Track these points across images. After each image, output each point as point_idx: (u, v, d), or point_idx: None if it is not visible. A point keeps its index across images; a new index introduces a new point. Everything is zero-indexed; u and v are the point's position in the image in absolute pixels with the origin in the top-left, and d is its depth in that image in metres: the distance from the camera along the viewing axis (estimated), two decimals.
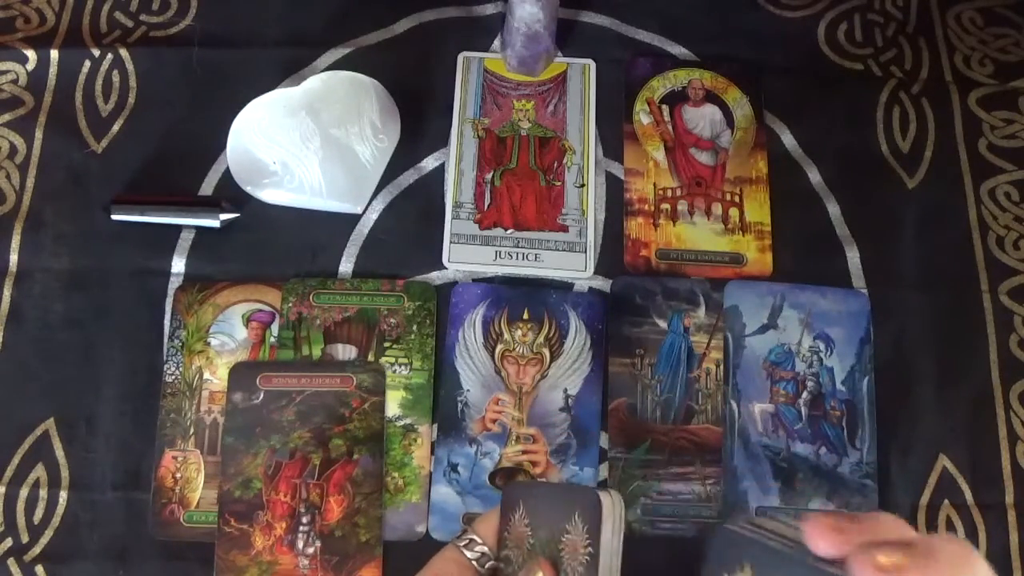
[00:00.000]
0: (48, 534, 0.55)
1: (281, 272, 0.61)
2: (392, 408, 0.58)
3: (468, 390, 0.59)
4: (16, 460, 0.57)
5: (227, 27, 0.67)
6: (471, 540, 0.40)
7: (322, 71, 0.65)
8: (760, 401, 0.59)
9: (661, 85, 0.67)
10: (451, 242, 0.62)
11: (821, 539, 0.26)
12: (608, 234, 0.63)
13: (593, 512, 0.33)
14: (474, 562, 0.40)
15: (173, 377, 0.58)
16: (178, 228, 0.62)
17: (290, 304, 0.60)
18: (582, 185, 0.64)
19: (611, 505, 0.34)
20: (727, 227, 0.63)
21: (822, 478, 0.58)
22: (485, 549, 0.39)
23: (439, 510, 0.56)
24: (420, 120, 0.65)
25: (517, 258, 0.62)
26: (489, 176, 0.64)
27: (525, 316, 0.60)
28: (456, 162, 0.64)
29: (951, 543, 0.26)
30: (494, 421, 0.58)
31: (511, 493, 0.40)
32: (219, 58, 0.66)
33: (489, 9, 0.69)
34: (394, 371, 0.58)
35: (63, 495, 0.56)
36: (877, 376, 0.60)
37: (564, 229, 0.63)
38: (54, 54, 0.65)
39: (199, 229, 0.61)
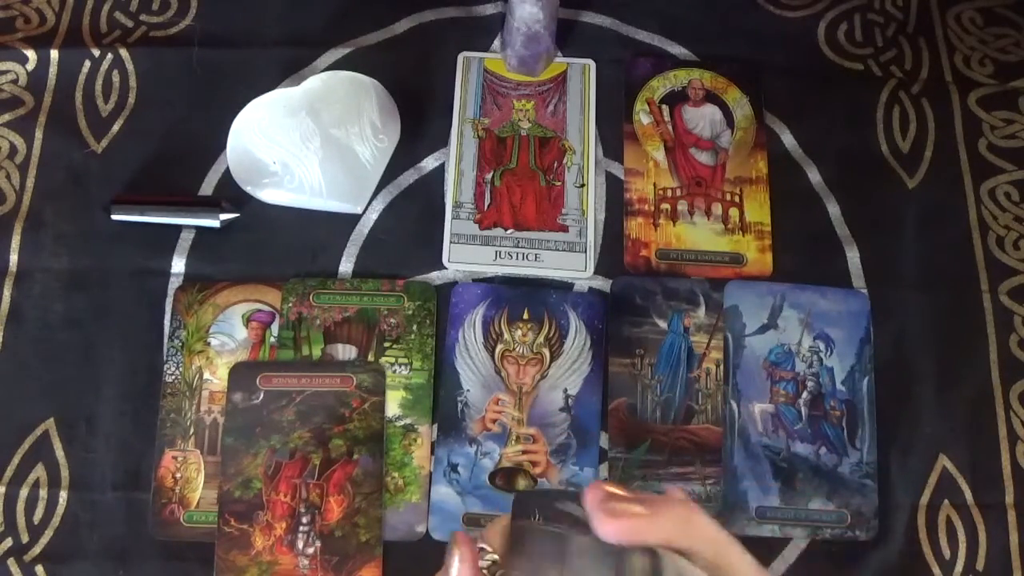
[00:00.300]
0: (48, 534, 0.55)
1: (281, 272, 0.61)
2: (392, 408, 0.58)
3: (468, 390, 0.59)
4: (16, 460, 0.57)
5: (227, 27, 0.67)
6: (481, 549, 0.40)
7: (322, 71, 0.65)
8: (760, 401, 0.59)
9: (661, 85, 0.67)
10: (451, 242, 0.62)
11: (588, 505, 0.30)
12: (608, 234, 0.63)
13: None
14: (484, 571, 0.39)
15: (173, 377, 0.58)
16: (178, 228, 0.62)
17: (290, 304, 0.60)
18: (582, 185, 0.64)
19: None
20: (727, 227, 0.63)
21: (822, 478, 0.58)
22: (496, 557, 0.39)
23: (439, 510, 0.56)
24: (420, 120, 0.65)
25: (517, 258, 0.62)
26: (489, 176, 0.64)
27: (525, 316, 0.60)
28: (456, 162, 0.64)
29: (676, 500, 0.31)
30: (494, 421, 0.58)
31: (522, 504, 0.38)
32: (219, 58, 0.66)
33: (489, 9, 0.69)
34: (394, 371, 0.58)
35: (63, 495, 0.56)
36: (877, 376, 0.60)
37: (564, 229, 0.63)
38: (54, 54, 0.65)
39: (199, 229, 0.61)
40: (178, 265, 0.61)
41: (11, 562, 0.55)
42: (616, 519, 0.29)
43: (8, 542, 0.55)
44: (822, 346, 0.60)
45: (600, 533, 0.29)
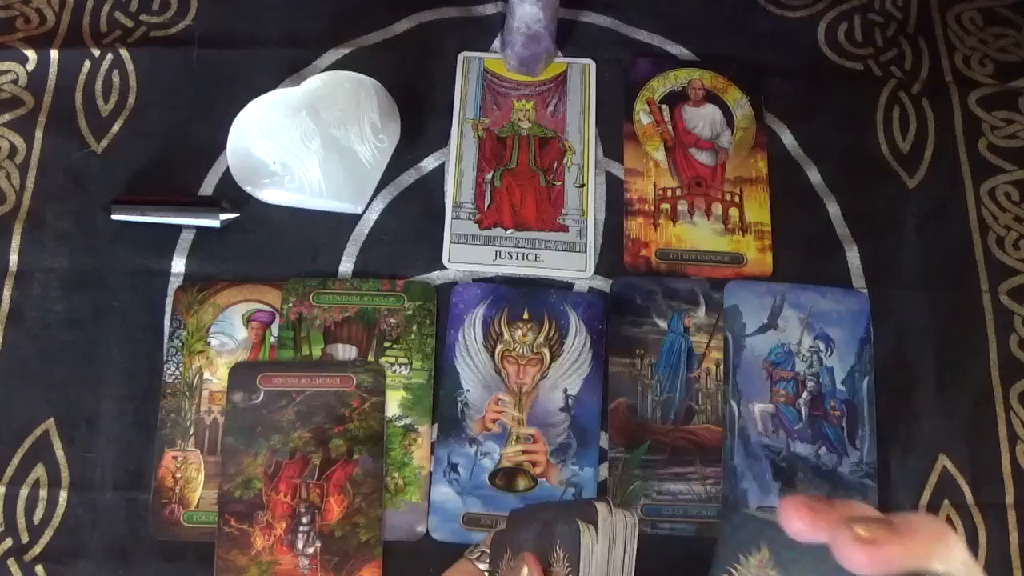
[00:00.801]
0: (48, 534, 0.55)
1: (281, 272, 0.61)
2: (392, 408, 0.58)
3: (468, 390, 0.59)
4: (16, 460, 0.57)
5: (227, 27, 0.67)
6: (483, 553, 0.40)
7: (322, 71, 0.65)
8: (760, 401, 0.59)
9: (661, 85, 0.67)
10: (451, 242, 0.62)
11: (796, 517, 0.26)
12: (608, 234, 0.63)
13: (572, 542, 0.31)
14: (487, 574, 0.40)
15: (173, 377, 0.58)
16: (178, 228, 0.62)
17: (290, 304, 0.60)
18: (582, 185, 0.64)
19: (594, 534, 0.32)
20: (727, 227, 0.63)
21: (822, 478, 0.58)
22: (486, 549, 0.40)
23: (439, 510, 0.56)
24: (420, 120, 0.65)
25: (517, 258, 0.62)
26: (489, 176, 0.64)
27: (525, 316, 0.60)
28: (456, 162, 0.64)
29: (929, 519, 0.26)
30: (494, 421, 0.58)
31: (499, 542, 0.38)
32: (219, 58, 0.66)
33: (489, 9, 0.69)
34: (394, 371, 0.58)
35: (63, 495, 0.56)
36: (877, 376, 0.60)
37: (564, 229, 0.63)
38: (54, 54, 0.65)
39: (199, 229, 0.61)
40: (178, 265, 0.61)
41: (11, 562, 0.55)
42: (870, 547, 0.25)
43: (8, 542, 0.55)
44: (822, 346, 0.60)
45: (847, 562, 0.25)
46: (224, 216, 0.61)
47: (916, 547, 0.25)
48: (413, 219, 0.63)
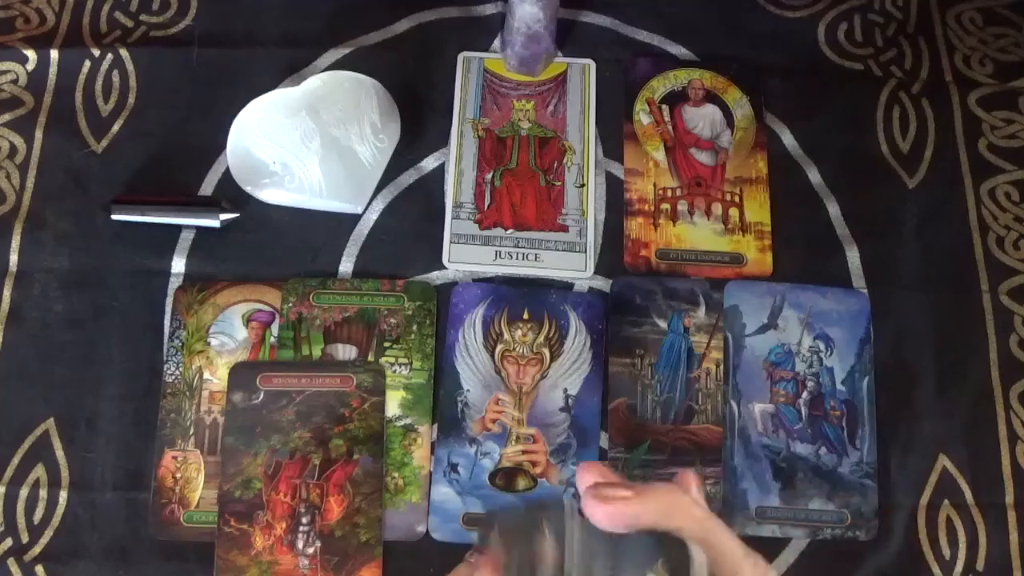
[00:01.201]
0: (48, 534, 0.55)
1: (281, 272, 0.61)
2: (392, 408, 0.58)
3: (468, 390, 0.59)
4: (16, 460, 0.57)
5: (227, 27, 0.67)
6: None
7: (322, 71, 0.65)
8: (760, 401, 0.59)
9: (661, 85, 0.67)
10: (451, 242, 0.62)
11: (579, 477, 0.33)
12: (608, 234, 0.63)
13: (556, 516, 0.33)
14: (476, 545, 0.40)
15: (173, 377, 0.58)
16: (178, 228, 0.62)
17: (290, 304, 0.60)
18: (582, 185, 0.64)
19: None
20: (727, 227, 0.63)
21: (822, 478, 0.58)
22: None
23: (439, 510, 0.56)
24: (420, 120, 0.65)
25: (517, 258, 0.62)
26: (489, 176, 0.64)
27: (525, 316, 0.60)
28: (456, 162, 0.64)
29: (668, 486, 0.32)
30: (494, 421, 0.58)
31: (487, 519, 0.39)
32: (219, 58, 0.66)
33: (489, 9, 0.69)
34: (394, 371, 0.58)
35: (63, 495, 0.56)
36: (877, 376, 0.60)
37: (564, 229, 0.63)
38: (54, 54, 0.65)
39: (199, 229, 0.61)
40: (178, 265, 0.61)
41: (11, 562, 0.55)
42: (604, 503, 0.30)
43: (8, 542, 0.55)
44: (822, 346, 0.60)
45: (590, 516, 0.31)
46: (224, 216, 0.61)
47: (650, 507, 0.31)
48: (413, 219, 0.63)
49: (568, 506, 0.33)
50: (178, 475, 0.56)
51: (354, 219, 0.62)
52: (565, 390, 0.59)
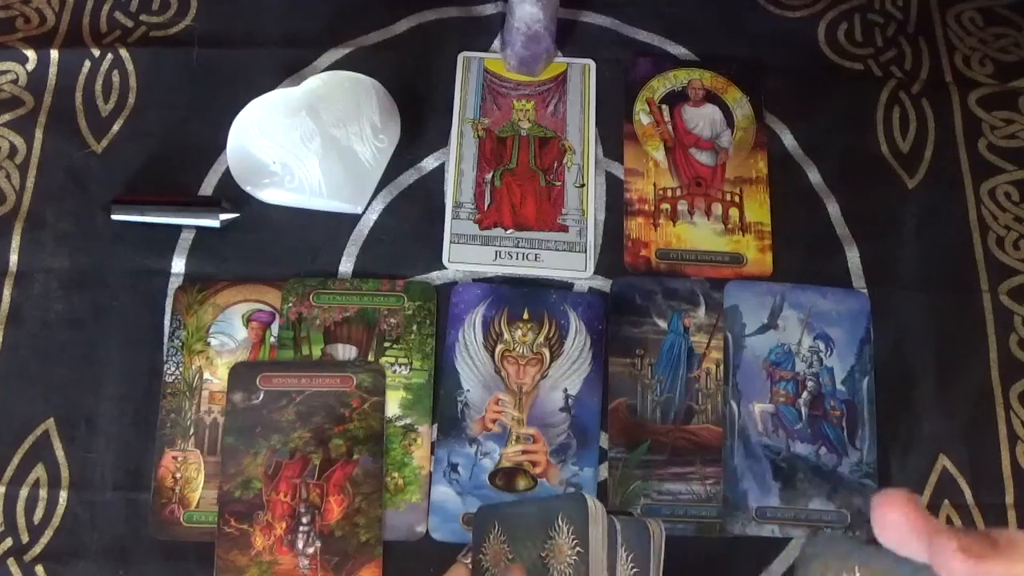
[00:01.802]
0: (48, 534, 0.55)
1: (281, 272, 0.61)
2: (392, 408, 0.58)
3: (468, 390, 0.59)
4: (16, 460, 0.57)
5: (227, 27, 0.67)
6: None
7: (322, 71, 0.65)
8: (760, 401, 0.59)
9: (661, 85, 0.67)
10: (451, 242, 0.62)
11: (896, 510, 0.26)
12: (608, 234, 0.63)
13: (579, 512, 0.33)
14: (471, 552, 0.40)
15: (173, 377, 0.58)
16: (178, 228, 0.62)
17: (290, 304, 0.60)
18: (582, 185, 0.64)
19: (595, 509, 0.34)
20: (727, 227, 0.63)
21: (822, 478, 0.58)
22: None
23: (439, 510, 0.56)
24: (420, 120, 0.65)
25: (517, 258, 0.62)
26: (489, 176, 0.64)
27: (525, 316, 0.60)
28: (456, 162, 0.64)
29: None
30: (494, 421, 0.58)
31: (483, 515, 0.40)
32: (219, 58, 0.66)
33: (489, 9, 0.69)
34: (394, 371, 0.58)
35: (63, 495, 0.56)
36: (877, 376, 0.60)
37: (564, 229, 0.63)
38: (54, 54, 0.65)
39: (199, 229, 0.61)
40: (178, 265, 0.61)
41: (11, 562, 0.55)
42: (971, 561, 0.24)
43: (8, 542, 0.55)
44: (822, 346, 0.60)
45: (946, 573, 0.25)
46: (224, 216, 0.61)
47: (1017, 565, 0.24)
48: (413, 219, 0.63)
49: (592, 506, 0.33)
50: (178, 475, 0.56)
51: (354, 219, 0.62)
52: (565, 390, 0.59)
